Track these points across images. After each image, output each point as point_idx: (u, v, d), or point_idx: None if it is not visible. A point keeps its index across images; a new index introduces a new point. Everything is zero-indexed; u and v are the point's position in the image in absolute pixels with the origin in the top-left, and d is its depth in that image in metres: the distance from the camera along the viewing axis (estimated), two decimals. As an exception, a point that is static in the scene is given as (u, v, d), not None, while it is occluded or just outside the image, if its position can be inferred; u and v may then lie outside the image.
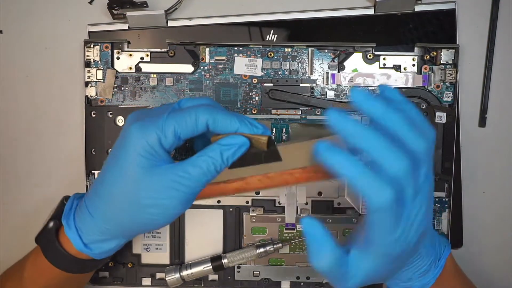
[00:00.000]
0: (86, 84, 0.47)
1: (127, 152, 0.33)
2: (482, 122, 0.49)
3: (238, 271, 0.48)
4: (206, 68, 0.47)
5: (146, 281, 0.49)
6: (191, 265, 0.47)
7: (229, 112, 0.34)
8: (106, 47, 0.47)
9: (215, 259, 0.47)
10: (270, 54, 0.46)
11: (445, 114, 0.46)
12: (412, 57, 0.46)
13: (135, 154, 0.33)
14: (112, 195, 0.35)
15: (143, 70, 0.47)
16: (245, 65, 0.47)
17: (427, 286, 0.38)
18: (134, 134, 0.33)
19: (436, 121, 0.46)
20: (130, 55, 0.47)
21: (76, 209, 0.39)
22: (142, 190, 0.34)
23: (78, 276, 0.41)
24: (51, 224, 0.39)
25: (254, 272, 0.48)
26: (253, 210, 0.48)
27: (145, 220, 0.35)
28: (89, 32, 0.49)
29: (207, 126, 0.34)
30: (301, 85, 0.47)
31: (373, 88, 0.47)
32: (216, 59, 0.47)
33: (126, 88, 0.47)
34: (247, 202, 0.48)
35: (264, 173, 0.35)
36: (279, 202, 0.48)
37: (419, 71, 0.46)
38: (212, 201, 0.48)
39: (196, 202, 0.48)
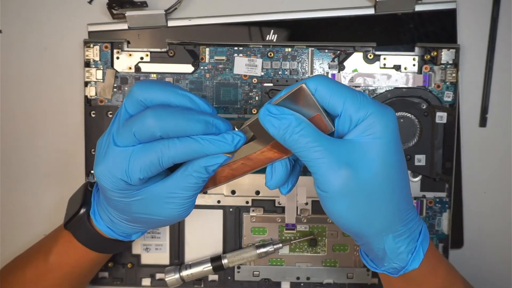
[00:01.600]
0: (86, 84, 0.47)
1: (105, 190, 0.34)
2: (483, 122, 0.49)
3: (238, 272, 0.48)
4: (206, 68, 0.47)
5: (146, 281, 0.48)
6: (191, 266, 0.47)
7: (188, 119, 0.32)
8: (106, 47, 0.47)
9: (215, 260, 0.47)
10: (270, 54, 0.46)
11: (445, 114, 0.46)
12: (413, 57, 0.46)
13: (112, 193, 0.34)
14: (115, 209, 0.37)
15: (142, 70, 0.47)
16: (245, 65, 0.47)
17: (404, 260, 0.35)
18: (102, 180, 0.33)
19: (437, 121, 0.46)
20: (130, 55, 0.47)
21: (99, 204, 0.40)
22: (135, 212, 0.35)
23: (105, 258, 0.43)
24: (82, 210, 0.40)
25: (254, 272, 0.48)
26: (253, 210, 0.48)
27: (158, 223, 0.37)
28: (89, 32, 0.49)
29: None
30: (301, 85, 0.47)
31: (373, 88, 0.46)
32: (216, 59, 0.47)
33: (126, 88, 0.47)
34: (247, 202, 0.48)
35: (245, 155, 0.35)
36: (279, 202, 0.48)
37: (420, 71, 0.46)
38: (212, 201, 0.48)
39: (196, 202, 0.48)
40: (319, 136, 0.31)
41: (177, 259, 0.48)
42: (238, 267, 0.48)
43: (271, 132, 0.31)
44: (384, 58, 0.46)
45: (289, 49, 0.46)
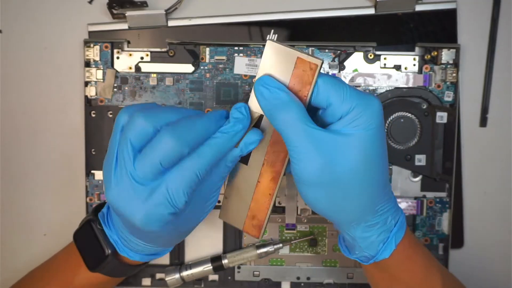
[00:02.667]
0: (86, 84, 0.47)
1: (148, 232, 0.33)
2: (483, 122, 0.49)
3: (238, 272, 0.48)
4: (206, 68, 0.47)
5: (146, 281, 0.48)
6: (191, 266, 0.47)
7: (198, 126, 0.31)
8: (106, 47, 0.47)
9: (215, 260, 0.47)
10: (270, 54, 0.46)
11: (446, 114, 0.46)
12: (413, 56, 0.46)
13: (158, 232, 0.32)
14: (153, 242, 0.36)
15: (143, 70, 0.47)
16: (245, 65, 0.47)
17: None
18: (147, 226, 0.31)
19: (437, 121, 0.46)
20: (130, 54, 0.47)
21: (121, 238, 0.37)
22: (177, 232, 0.36)
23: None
24: (108, 252, 0.37)
25: (255, 272, 0.48)
26: (253, 210, 0.47)
27: (191, 229, 0.37)
28: (89, 32, 0.49)
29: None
30: (301, 85, 0.47)
31: (374, 88, 0.46)
32: (216, 59, 0.47)
33: (126, 88, 0.47)
34: (247, 202, 0.48)
35: (269, 142, 0.34)
36: (279, 202, 0.47)
37: (420, 71, 0.46)
38: (212, 201, 0.48)
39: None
40: (305, 120, 0.30)
41: (177, 259, 0.48)
42: (238, 267, 0.48)
43: (260, 103, 0.31)
44: (385, 58, 0.46)
45: (289, 49, 0.46)
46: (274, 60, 0.32)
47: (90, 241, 0.38)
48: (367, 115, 0.30)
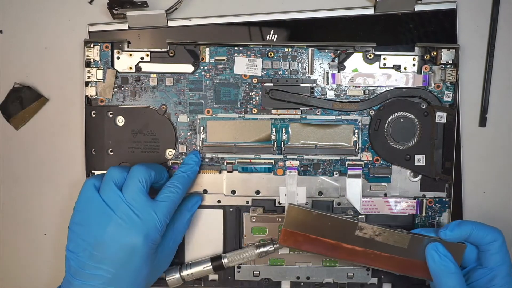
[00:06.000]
0: (86, 84, 0.47)
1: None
2: (483, 122, 0.49)
3: (238, 271, 0.48)
4: (206, 68, 0.47)
5: (146, 281, 0.48)
6: (191, 265, 0.47)
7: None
8: (106, 47, 0.47)
9: (215, 259, 0.47)
10: (270, 54, 0.46)
11: (445, 114, 0.46)
12: (413, 57, 0.46)
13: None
14: None
15: (143, 70, 0.47)
16: (245, 65, 0.47)
17: None
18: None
19: (437, 121, 0.46)
20: (130, 55, 0.47)
21: None
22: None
23: None
24: None
25: (254, 272, 0.48)
26: (253, 210, 0.48)
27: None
28: (89, 32, 0.49)
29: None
30: (301, 85, 0.47)
31: (373, 88, 0.47)
32: (216, 59, 0.47)
33: (126, 88, 0.47)
34: (247, 202, 0.48)
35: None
36: (279, 202, 0.48)
37: (420, 71, 0.46)
38: (212, 201, 0.48)
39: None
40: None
41: (177, 259, 0.48)
42: (238, 267, 0.48)
43: (430, 264, 0.41)
44: (384, 58, 0.46)
45: (289, 49, 0.47)
46: (452, 247, 0.42)
47: None
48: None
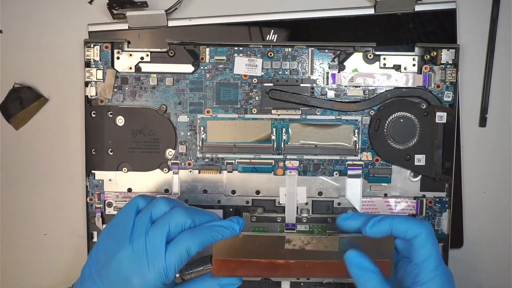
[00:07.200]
0: (86, 84, 0.47)
1: None
2: (483, 122, 0.49)
3: (238, 271, 0.48)
4: (206, 68, 0.47)
5: (146, 281, 0.48)
6: (191, 265, 0.47)
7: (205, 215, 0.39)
8: (106, 47, 0.47)
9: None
10: (270, 54, 0.46)
11: (445, 114, 0.46)
12: (413, 57, 0.46)
13: None
14: None
15: (143, 70, 0.47)
16: (245, 65, 0.47)
17: None
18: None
19: (437, 121, 0.46)
20: (130, 55, 0.47)
21: None
22: None
23: None
24: None
25: (254, 272, 0.48)
26: (253, 210, 0.48)
27: None
28: (89, 32, 0.49)
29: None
30: (301, 85, 0.47)
31: (373, 88, 0.47)
32: (216, 59, 0.47)
33: (126, 88, 0.47)
34: (247, 202, 0.48)
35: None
36: (279, 202, 0.48)
37: (420, 71, 0.46)
38: (212, 201, 0.48)
39: (195, 202, 0.48)
40: None
41: (177, 259, 0.48)
42: (238, 267, 0.48)
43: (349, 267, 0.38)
44: (384, 58, 0.46)
45: (289, 49, 0.47)
46: (378, 241, 0.39)
47: None
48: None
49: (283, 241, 0.40)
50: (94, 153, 0.47)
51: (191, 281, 0.41)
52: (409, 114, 0.47)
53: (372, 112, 0.47)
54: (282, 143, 0.47)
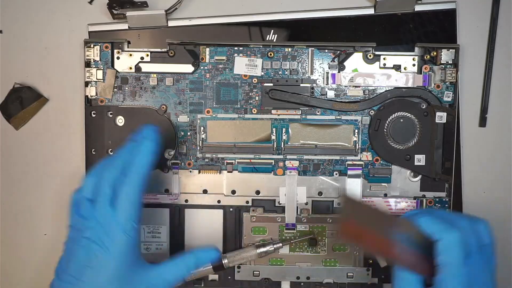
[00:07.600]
0: (86, 84, 0.47)
1: None
2: (483, 122, 0.49)
3: (238, 271, 0.48)
4: (206, 68, 0.47)
5: (146, 281, 0.48)
6: (191, 265, 0.47)
7: None
8: (106, 47, 0.47)
9: (215, 259, 0.47)
10: (270, 54, 0.46)
11: (445, 114, 0.46)
12: (413, 57, 0.46)
13: None
14: None
15: (143, 70, 0.47)
16: (245, 65, 0.47)
17: None
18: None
19: (437, 121, 0.46)
20: (130, 55, 0.47)
21: None
22: None
23: None
24: None
25: (254, 272, 0.48)
26: (253, 210, 0.48)
27: None
28: (89, 32, 0.49)
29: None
30: (301, 85, 0.47)
31: (373, 88, 0.47)
32: (216, 59, 0.47)
33: (126, 88, 0.47)
34: (247, 202, 0.48)
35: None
36: (279, 202, 0.48)
37: (419, 71, 0.46)
38: (212, 201, 0.48)
39: (195, 202, 0.48)
40: None
41: (177, 259, 0.48)
42: (238, 267, 0.48)
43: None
44: (384, 58, 0.46)
45: (289, 49, 0.47)
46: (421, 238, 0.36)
47: None
48: None
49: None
50: (94, 153, 0.47)
51: (170, 257, 0.41)
52: (409, 114, 0.47)
53: (372, 112, 0.47)
54: (282, 143, 0.47)
